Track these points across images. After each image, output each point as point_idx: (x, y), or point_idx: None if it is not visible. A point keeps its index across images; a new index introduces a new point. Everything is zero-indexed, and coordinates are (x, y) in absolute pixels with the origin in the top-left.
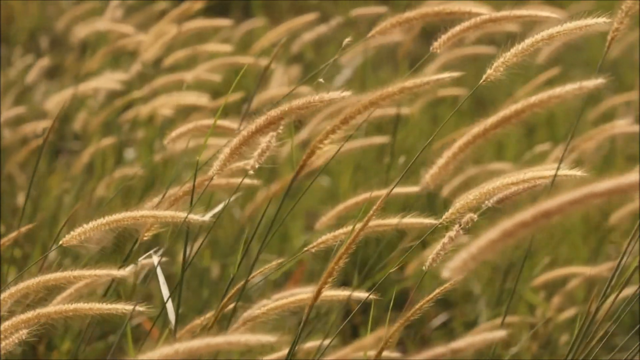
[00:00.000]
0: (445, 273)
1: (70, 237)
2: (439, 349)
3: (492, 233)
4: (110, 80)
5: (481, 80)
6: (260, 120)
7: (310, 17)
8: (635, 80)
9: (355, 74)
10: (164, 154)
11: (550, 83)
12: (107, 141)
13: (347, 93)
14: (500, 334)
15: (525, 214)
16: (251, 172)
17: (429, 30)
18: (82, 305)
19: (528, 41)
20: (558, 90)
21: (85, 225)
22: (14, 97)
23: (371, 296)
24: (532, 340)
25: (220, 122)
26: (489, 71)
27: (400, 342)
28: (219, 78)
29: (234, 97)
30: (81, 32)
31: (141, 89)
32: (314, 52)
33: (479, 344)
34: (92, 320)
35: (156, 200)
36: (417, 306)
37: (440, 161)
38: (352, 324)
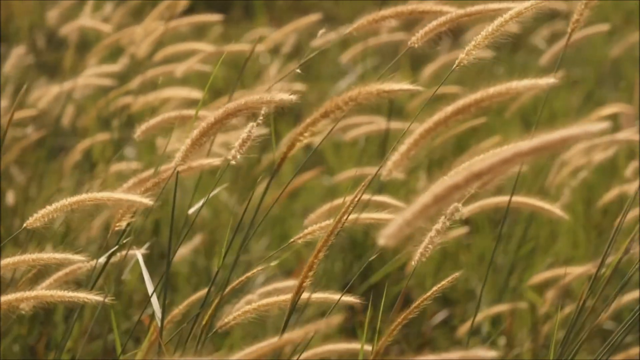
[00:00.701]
0: (380, 241)
1: (34, 220)
2: (430, 357)
3: (424, 198)
4: (97, 76)
5: (454, 65)
6: (218, 113)
7: (313, 17)
8: (637, 79)
9: (357, 74)
10: (162, 149)
11: None
12: (102, 136)
13: (295, 93)
14: (492, 354)
15: (457, 177)
16: (233, 162)
17: None
18: (43, 293)
19: (497, 22)
20: (515, 84)
21: (48, 207)
22: (10, 94)
23: (366, 298)
24: (533, 340)
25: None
26: (461, 55)
27: (396, 341)
28: (210, 69)
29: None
30: (65, 29)
31: (133, 82)
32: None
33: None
34: (92, 318)
35: (126, 186)
36: (414, 304)
37: (402, 148)
38: (353, 322)
